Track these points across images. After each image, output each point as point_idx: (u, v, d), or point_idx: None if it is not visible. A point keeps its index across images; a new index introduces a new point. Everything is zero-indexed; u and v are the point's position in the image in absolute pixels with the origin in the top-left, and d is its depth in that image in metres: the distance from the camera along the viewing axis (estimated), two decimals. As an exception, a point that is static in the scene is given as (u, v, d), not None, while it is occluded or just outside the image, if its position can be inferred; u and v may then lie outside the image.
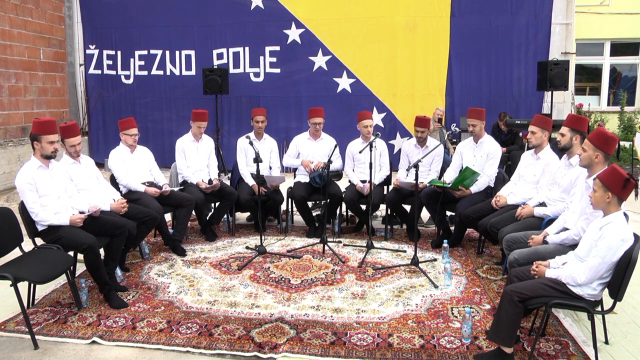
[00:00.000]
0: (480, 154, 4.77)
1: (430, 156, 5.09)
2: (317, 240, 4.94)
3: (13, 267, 3.26)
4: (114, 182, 4.74)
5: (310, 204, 5.69)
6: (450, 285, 3.96)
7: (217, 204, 5.38)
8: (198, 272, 4.30)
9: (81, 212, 3.77)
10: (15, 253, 3.52)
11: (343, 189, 5.33)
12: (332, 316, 3.45)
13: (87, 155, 5.28)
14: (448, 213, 5.09)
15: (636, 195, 2.80)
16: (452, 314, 3.49)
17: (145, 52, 9.22)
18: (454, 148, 6.39)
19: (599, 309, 2.87)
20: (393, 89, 8.67)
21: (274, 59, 8.85)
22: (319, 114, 5.43)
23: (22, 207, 3.58)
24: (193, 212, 4.98)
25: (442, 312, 3.50)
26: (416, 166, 4.17)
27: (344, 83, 8.73)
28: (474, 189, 4.69)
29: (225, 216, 5.46)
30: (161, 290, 3.91)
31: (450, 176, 4.92)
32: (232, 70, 8.87)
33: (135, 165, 4.78)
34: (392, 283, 4.01)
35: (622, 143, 9.16)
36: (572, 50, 8.42)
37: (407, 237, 5.26)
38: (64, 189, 3.78)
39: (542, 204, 3.92)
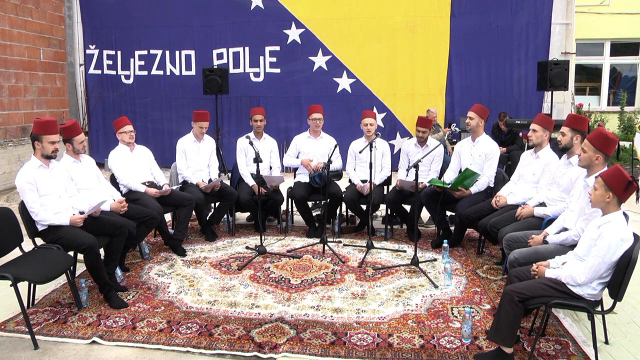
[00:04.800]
0: (477, 153, 4.76)
1: (430, 156, 5.09)
2: (317, 240, 4.94)
3: (13, 267, 3.26)
4: (114, 182, 4.74)
5: (310, 204, 5.69)
6: (450, 285, 3.95)
7: (217, 204, 5.38)
8: (198, 272, 4.30)
9: (81, 212, 3.77)
10: (15, 253, 3.52)
11: (343, 189, 5.33)
12: (332, 316, 3.45)
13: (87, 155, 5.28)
14: (448, 213, 5.08)
15: (637, 198, 2.80)
16: (452, 314, 3.48)
17: (145, 52, 9.23)
18: (453, 148, 6.38)
19: (599, 309, 2.87)
20: (393, 89, 8.67)
21: (274, 59, 8.85)
22: (318, 109, 5.45)
23: (22, 207, 3.57)
24: (193, 212, 4.98)
25: (442, 312, 3.50)
26: (416, 166, 4.17)
27: (344, 83, 8.73)
28: (474, 189, 4.69)
29: (225, 216, 5.46)
30: (161, 290, 3.91)
31: (449, 177, 4.92)
32: (232, 70, 8.87)
33: (135, 164, 4.78)
34: (392, 283, 4.01)
35: (622, 143, 9.15)
36: (572, 50, 8.42)
37: (407, 237, 5.26)
38: (65, 189, 3.78)
39: (542, 204, 3.92)
